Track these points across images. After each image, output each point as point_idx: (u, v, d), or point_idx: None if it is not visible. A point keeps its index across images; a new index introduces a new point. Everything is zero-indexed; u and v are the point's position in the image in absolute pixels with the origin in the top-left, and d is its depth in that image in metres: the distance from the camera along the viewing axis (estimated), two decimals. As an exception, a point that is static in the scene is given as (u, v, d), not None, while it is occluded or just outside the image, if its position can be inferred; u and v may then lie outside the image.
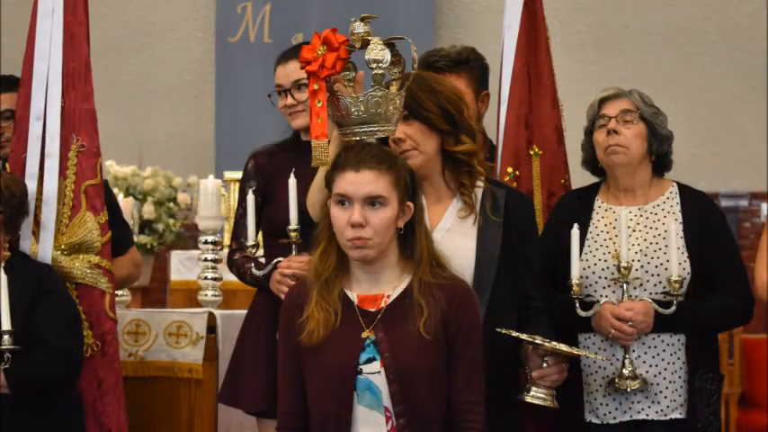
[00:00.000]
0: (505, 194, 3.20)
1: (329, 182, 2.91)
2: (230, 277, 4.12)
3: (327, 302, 2.89)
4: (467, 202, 3.15)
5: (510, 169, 3.87)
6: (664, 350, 3.49)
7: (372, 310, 2.89)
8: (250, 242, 3.67)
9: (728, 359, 7.07)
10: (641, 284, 3.49)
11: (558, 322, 3.30)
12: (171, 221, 7.21)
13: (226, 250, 4.15)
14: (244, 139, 6.75)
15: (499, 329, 3.04)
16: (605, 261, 3.53)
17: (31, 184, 3.68)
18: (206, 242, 4.81)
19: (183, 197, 7.26)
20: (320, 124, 2.93)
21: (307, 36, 6.20)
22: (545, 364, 3.10)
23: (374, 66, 2.93)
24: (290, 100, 3.82)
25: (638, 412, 3.49)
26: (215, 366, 4.40)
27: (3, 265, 3.51)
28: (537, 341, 3.05)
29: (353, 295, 2.92)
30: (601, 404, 3.52)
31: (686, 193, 3.63)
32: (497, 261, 3.12)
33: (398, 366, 2.83)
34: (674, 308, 3.42)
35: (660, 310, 3.43)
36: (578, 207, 3.64)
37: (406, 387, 2.82)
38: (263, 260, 3.77)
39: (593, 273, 3.53)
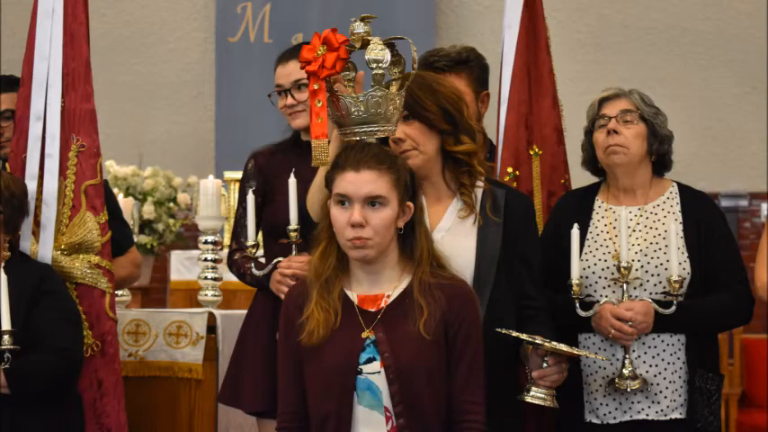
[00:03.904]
0: (505, 194, 3.20)
1: (329, 182, 2.91)
2: (230, 277, 4.12)
3: (327, 302, 2.89)
4: (467, 202, 3.15)
5: (510, 169, 3.86)
6: (664, 350, 3.49)
7: (372, 310, 2.89)
8: (250, 242, 3.67)
9: (728, 359, 7.07)
10: (641, 284, 3.49)
11: (558, 322, 3.30)
12: (171, 221, 7.21)
13: (226, 250, 4.15)
14: (244, 139, 6.75)
15: (499, 329, 3.04)
16: (605, 261, 3.53)
17: (31, 184, 3.68)
18: (206, 242, 4.81)
19: (182, 197, 7.26)
20: (320, 124, 2.92)
21: (307, 36, 6.20)
22: (545, 364, 3.09)
23: (374, 66, 2.93)
24: (290, 100, 3.82)
25: (638, 412, 3.49)
26: (215, 366, 4.40)
27: (3, 265, 3.51)
28: (537, 341, 3.04)
29: (353, 295, 2.92)
30: (601, 404, 3.51)
31: (686, 193, 3.63)
32: (497, 261, 3.12)
33: (398, 366, 2.82)
34: (674, 308, 3.42)
35: (660, 310, 3.42)
36: (578, 207, 3.64)
37: (406, 387, 2.82)
38: (263, 260, 3.77)
39: (593, 273, 3.53)
